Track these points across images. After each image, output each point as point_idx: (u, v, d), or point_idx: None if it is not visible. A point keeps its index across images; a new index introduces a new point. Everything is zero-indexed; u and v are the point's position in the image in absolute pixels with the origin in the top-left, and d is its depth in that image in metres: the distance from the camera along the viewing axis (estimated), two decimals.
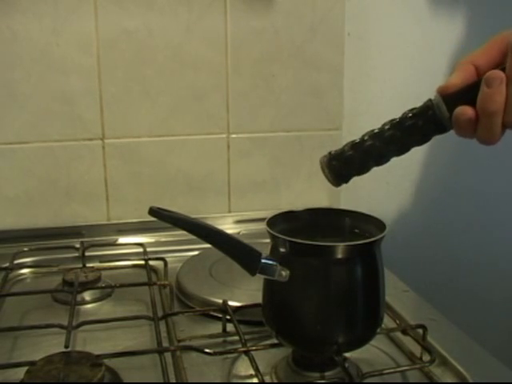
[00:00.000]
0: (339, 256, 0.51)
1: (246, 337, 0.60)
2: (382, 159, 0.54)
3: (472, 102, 0.50)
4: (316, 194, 1.02)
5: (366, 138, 0.54)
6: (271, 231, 0.53)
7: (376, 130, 0.54)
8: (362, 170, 0.55)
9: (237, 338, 0.61)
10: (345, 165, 0.55)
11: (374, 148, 0.53)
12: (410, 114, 0.53)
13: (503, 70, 0.49)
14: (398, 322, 0.65)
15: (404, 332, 0.63)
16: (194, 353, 0.59)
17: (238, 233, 0.95)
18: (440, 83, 0.52)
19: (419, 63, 1.03)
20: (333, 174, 0.55)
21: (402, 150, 0.54)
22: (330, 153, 0.56)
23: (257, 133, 0.98)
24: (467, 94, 0.50)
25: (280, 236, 0.53)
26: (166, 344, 0.61)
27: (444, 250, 1.11)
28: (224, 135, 0.97)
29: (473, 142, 0.51)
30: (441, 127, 0.52)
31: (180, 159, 0.95)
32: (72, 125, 0.90)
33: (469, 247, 1.12)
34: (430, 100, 0.53)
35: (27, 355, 0.60)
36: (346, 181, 0.56)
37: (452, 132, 0.52)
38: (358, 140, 0.54)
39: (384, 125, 0.54)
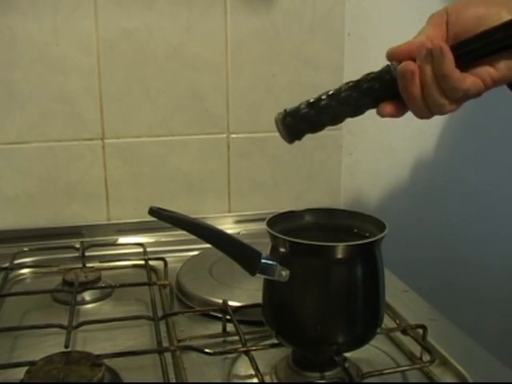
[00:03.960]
0: (339, 256, 0.51)
1: (246, 337, 0.60)
2: (336, 119, 0.55)
3: None
4: (316, 193, 1.02)
5: (322, 97, 0.55)
6: (271, 231, 0.53)
7: (332, 91, 0.55)
8: (316, 127, 0.55)
9: (237, 338, 0.61)
10: (299, 122, 0.55)
11: (329, 107, 0.54)
12: (367, 77, 0.54)
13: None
14: (398, 321, 0.65)
15: (404, 332, 0.63)
16: (193, 353, 0.59)
17: (238, 233, 0.95)
18: None
19: None
20: (287, 131, 0.56)
21: (356, 111, 0.54)
22: (285, 110, 0.56)
23: (257, 133, 0.98)
24: None
25: (280, 236, 0.53)
26: (166, 344, 0.61)
27: (444, 249, 1.11)
28: (224, 135, 0.97)
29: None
30: (397, 92, 0.53)
31: (180, 159, 0.95)
32: (72, 125, 0.90)
33: (469, 247, 1.12)
34: (388, 65, 0.53)
35: (27, 355, 0.60)
36: (300, 138, 0.56)
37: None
38: (313, 99, 0.55)
39: (341, 86, 0.55)
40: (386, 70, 0.53)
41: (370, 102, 0.54)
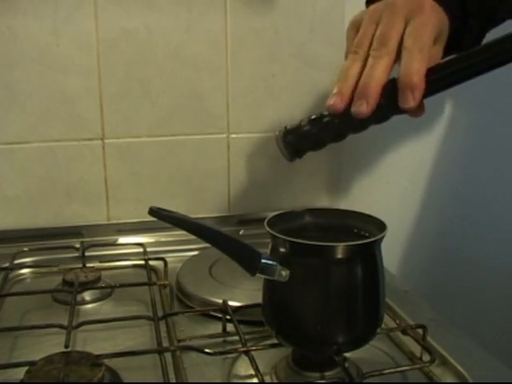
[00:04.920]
0: (339, 256, 0.51)
1: (246, 337, 0.60)
2: (339, 136, 0.53)
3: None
4: (316, 193, 1.02)
5: (324, 113, 0.53)
6: (271, 231, 0.53)
7: None
8: (318, 145, 0.54)
9: (237, 338, 0.61)
10: (301, 139, 0.54)
11: (331, 124, 0.52)
12: None
13: None
14: (397, 322, 0.65)
15: (404, 332, 0.63)
16: (193, 353, 0.59)
17: (238, 233, 0.95)
18: None
19: None
20: (288, 149, 0.54)
21: (360, 127, 0.53)
22: (285, 127, 0.55)
23: (257, 133, 0.98)
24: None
25: (280, 236, 0.53)
26: (166, 344, 0.61)
27: (444, 249, 1.11)
28: (224, 135, 0.97)
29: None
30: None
31: (180, 159, 0.95)
32: (72, 125, 0.90)
33: (469, 247, 1.12)
34: (393, 78, 0.52)
35: (27, 355, 0.60)
36: (301, 156, 0.55)
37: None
38: (315, 116, 0.53)
39: None
40: (390, 83, 0.52)
41: (375, 118, 0.52)
